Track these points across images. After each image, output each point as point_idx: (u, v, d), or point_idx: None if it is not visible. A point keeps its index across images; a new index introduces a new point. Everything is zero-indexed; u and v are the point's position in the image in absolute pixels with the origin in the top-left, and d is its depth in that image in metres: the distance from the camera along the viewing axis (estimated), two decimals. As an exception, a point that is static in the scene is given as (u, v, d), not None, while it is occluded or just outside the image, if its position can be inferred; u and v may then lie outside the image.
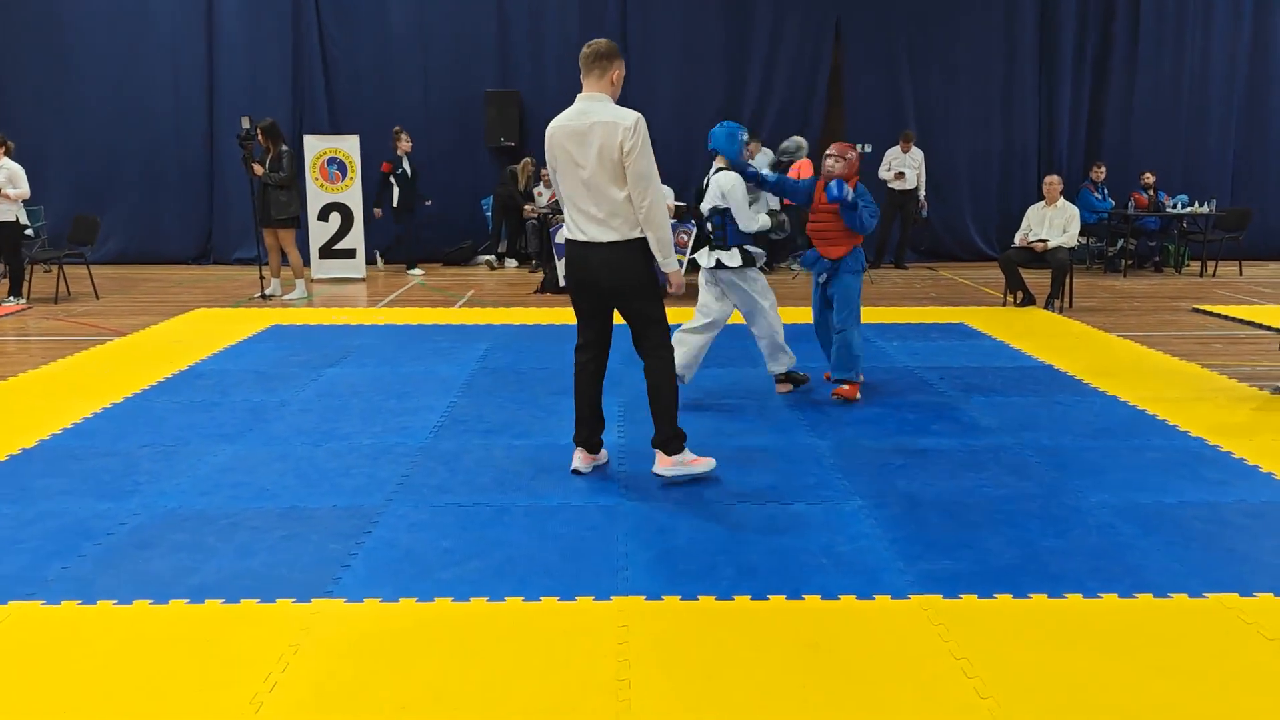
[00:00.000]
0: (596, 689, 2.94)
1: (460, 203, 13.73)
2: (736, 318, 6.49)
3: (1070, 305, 10.05)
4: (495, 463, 5.02)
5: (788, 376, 6.43)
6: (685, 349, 6.06)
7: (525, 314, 9.58)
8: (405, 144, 12.31)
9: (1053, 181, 10.00)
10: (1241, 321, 9.08)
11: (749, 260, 6.02)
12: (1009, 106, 13.92)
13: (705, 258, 6.12)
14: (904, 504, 4.45)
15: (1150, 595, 3.55)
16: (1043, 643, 3.21)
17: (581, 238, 4.48)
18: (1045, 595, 3.55)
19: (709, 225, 6.08)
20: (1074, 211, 9.93)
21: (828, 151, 6.28)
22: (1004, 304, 10.17)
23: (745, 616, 3.40)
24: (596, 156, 4.32)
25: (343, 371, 6.99)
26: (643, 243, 4.45)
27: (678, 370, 5.60)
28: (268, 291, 10.71)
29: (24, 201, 10.03)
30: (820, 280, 6.38)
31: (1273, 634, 3.26)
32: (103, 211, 13.18)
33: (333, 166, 11.87)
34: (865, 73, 13.71)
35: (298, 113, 13.48)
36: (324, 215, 11.94)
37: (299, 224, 10.63)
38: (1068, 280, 9.87)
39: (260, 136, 10.31)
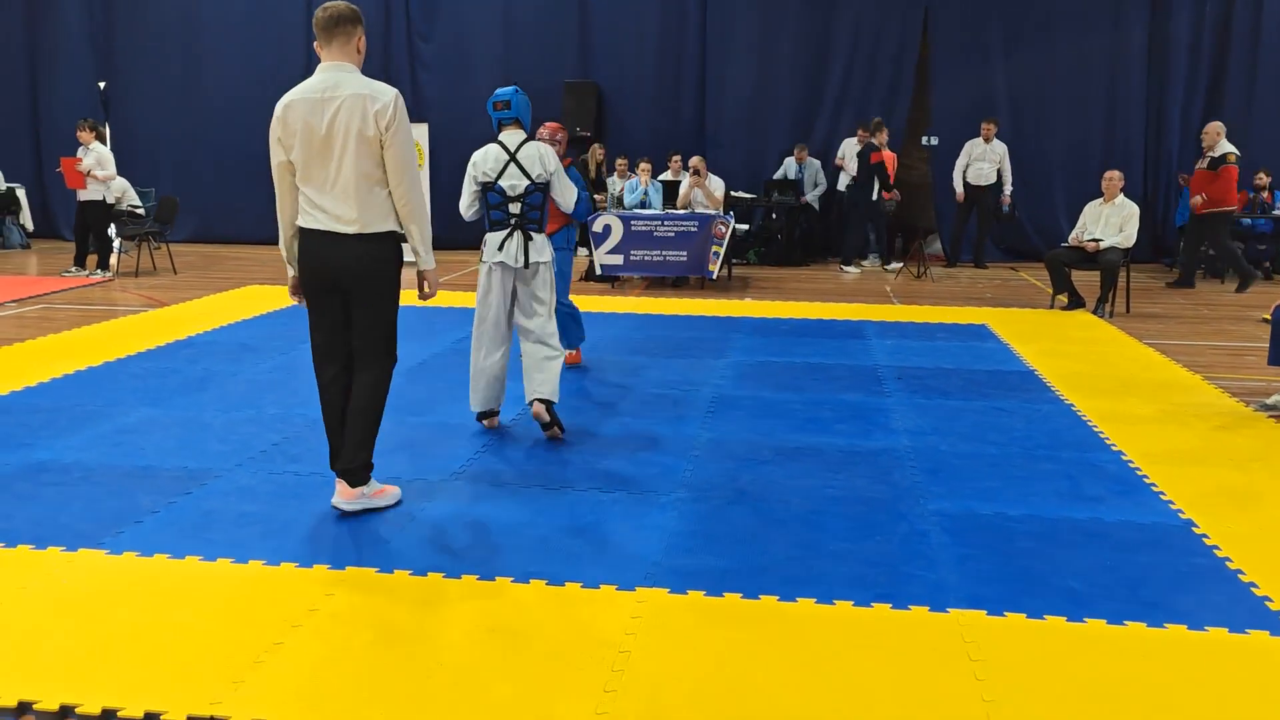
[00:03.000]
0: (266, 643, 3.03)
1: (537, 191, 13.99)
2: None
3: (1128, 310, 9.38)
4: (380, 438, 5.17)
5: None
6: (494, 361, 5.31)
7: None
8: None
9: (1112, 177, 9.35)
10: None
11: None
12: (1112, 100, 13.03)
13: (517, 250, 5.13)
14: (725, 499, 4.33)
15: (850, 603, 3.35)
16: (713, 640, 3.09)
17: (322, 228, 3.87)
18: (740, 595, 3.41)
19: (522, 206, 5.11)
20: (1133, 210, 9.26)
21: (539, 133, 5.89)
22: (1050, 306, 9.58)
23: (432, 591, 3.41)
24: (345, 136, 3.78)
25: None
26: (393, 236, 3.96)
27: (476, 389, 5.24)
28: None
29: (136, 184, 10.95)
30: None
31: (978, 656, 3.03)
32: (209, 196, 14.21)
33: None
34: (953, 64, 13.13)
35: (387, 102, 14.05)
36: (394, 201, 12.41)
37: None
38: (1118, 283, 9.20)
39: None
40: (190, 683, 2.83)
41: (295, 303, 4.19)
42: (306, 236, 3.93)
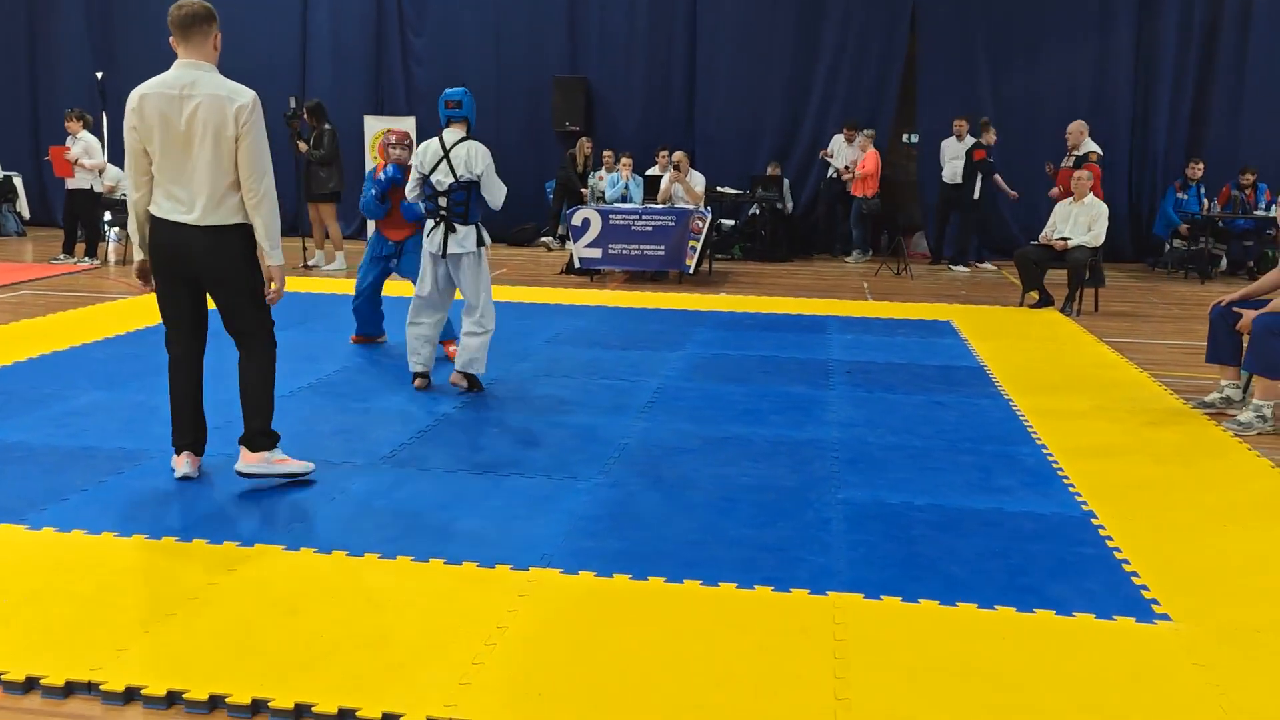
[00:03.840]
0: (159, 614, 3.16)
1: (526, 185, 14.10)
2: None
3: (1096, 309, 9.42)
4: (312, 420, 5.30)
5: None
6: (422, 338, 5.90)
7: (525, 292, 9.80)
8: None
9: (1081, 176, 9.39)
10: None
11: (483, 240, 5.76)
12: (1099, 100, 13.04)
13: (439, 240, 5.65)
14: (640, 485, 4.43)
15: (734, 585, 3.45)
16: (591, 618, 3.20)
17: (173, 218, 4.02)
18: (629, 576, 3.51)
19: (448, 200, 5.57)
20: (1101, 210, 9.30)
21: (389, 140, 6.48)
22: (1021, 304, 9.63)
23: (334, 567, 3.53)
24: (203, 133, 3.94)
25: (287, 335, 7.43)
26: (243, 229, 4.09)
27: (419, 362, 5.88)
28: (310, 262, 11.41)
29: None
30: (383, 257, 6.87)
31: (843, 636, 3.12)
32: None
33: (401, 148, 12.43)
34: (940, 64, 13.18)
35: (378, 96, 14.22)
36: (381, 193, 12.54)
37: (339, 199, 11.25)
38: (1085, 282, 9.24)
39: (306, 115, 10.98)
40: (76, 649, 2.95)
41: (139, 286, 4.35)
42: (158, 225, 4.08)
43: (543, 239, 13.91)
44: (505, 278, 10.95)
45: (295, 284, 9.93)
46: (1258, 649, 3.09)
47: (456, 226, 5.58)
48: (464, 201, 5.54)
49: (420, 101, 14.05)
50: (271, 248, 4.12)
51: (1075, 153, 10.71)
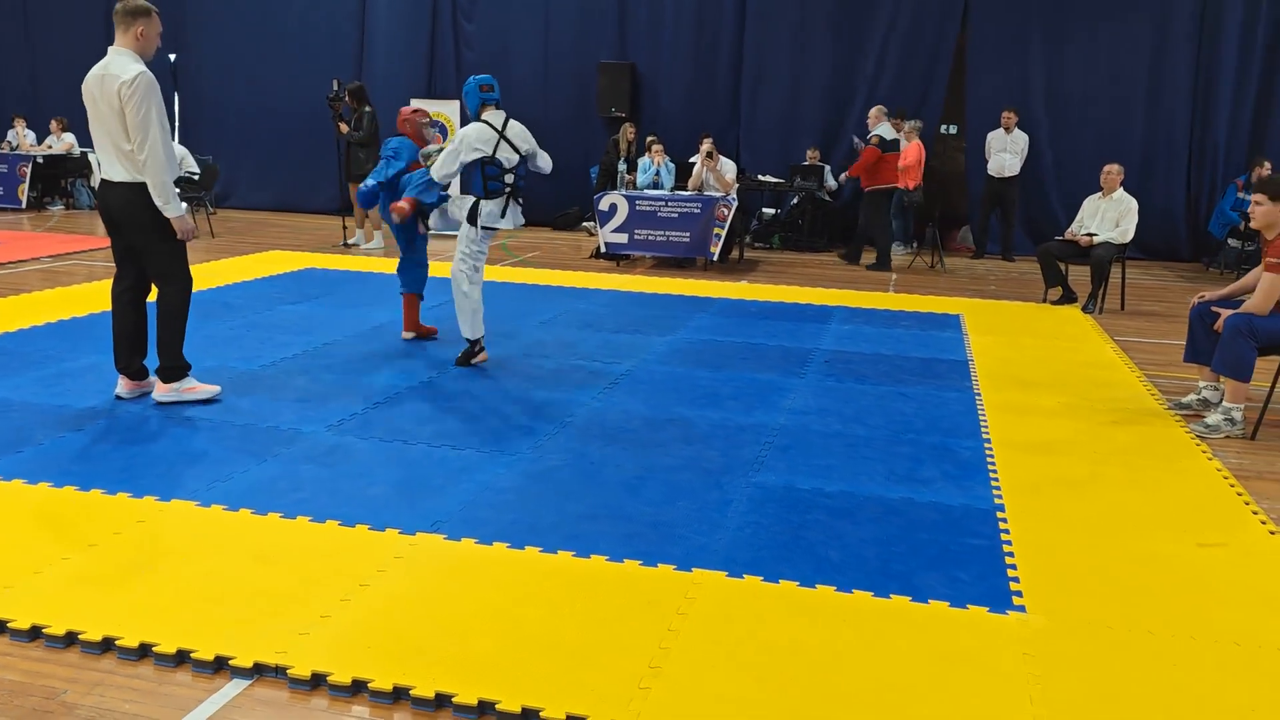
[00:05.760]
0: (59, 554, 3.40)
1: (572, 170, 14.27)
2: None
3: (1122, 307, 9.19)
4: (276, 388, 5.54)
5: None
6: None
7: (547, 275, 9.97)
8: None
9: (1110, 170, 9.14)
10: None
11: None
12: (1156, 93, 12.63)
13: (510, 213, 6.10)
14: (563, 461, 4.55)
15: (604, 558, 3.55)
16: (453, 580, 3.33)
17: (103, 177, 4.94)
18: (507, 545, 3.63)
19: (513, 175, 6.04)
20: (1131, 205, 9.04)
21: (423, 120, 6.81)
22: (1044, 300, 9.44)
23: (236, 523, 3.73)
24: (106, 106, 4.77)
25: (292, 309, 7.75)
26: (141, 185, 4.82)
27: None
28: (350, 241, 11.77)
29: (199, 152, 11.71)
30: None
31: (687, 610, 3.20)
32: (271, 166, 14.98)
33: (434, 128, 12.72)
34: (990, 54, 12.90)
35: (430, 78, 14.54)
36: (425, 175, 12.85)
37: (378, 180, 11.54)
38: (1109, 280, 9.01)
39: (348, 98, 11.31)
40: (-33, 584, 3.21)
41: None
42: (100, 186, 5.02)
43: (585, 224, 14.06)
44: (535, 260, 11.13)
45: (330, 261, 10.28)
46: (1095, 643, 3.07)
47: (520, 200, 6.12)
48: (525, 175, 6.13)
49: (472, 85, 14.31)
50: (164, 203, 4.84)
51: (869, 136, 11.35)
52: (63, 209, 14.56)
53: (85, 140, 14.94)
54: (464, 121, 13.18)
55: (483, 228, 6.04)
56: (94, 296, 7.89)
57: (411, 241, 6.78)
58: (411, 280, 6.82)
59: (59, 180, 14.84)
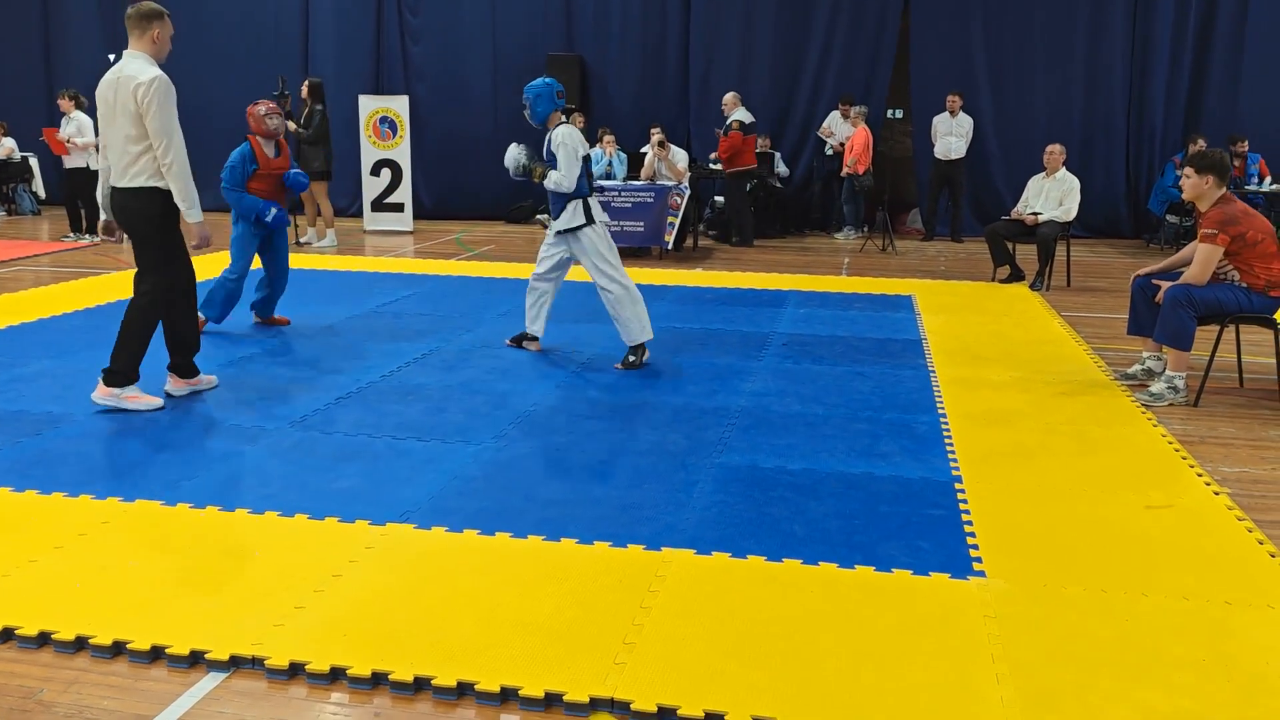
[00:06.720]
0: (37, 553, 3.39)
1: (523, 163, 14.27)
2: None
3: (1068, 284, 9.40)
4: (239, 386, 5.52)
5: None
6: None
7: (504, 268, 9.97)
8: None
9: (1053, 150, 9.34)
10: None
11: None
12: (1093, 73, 12.90)
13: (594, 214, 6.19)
14: (529, 450, 4.59)
15: (575, 541, 3.60)
16: (423, 567, 3.37)
17: (112, 184, 4.96)
18: (477, 532, 3.68)
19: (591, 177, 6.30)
20: (1073, 184, 9.25)
21: (261, 111, 7.06)
22: (992, 279, 9.62)
23: (201, 521, 3.74)
24: (121, 109, 4.78)
25: (248, 308, 7.69)
26: (150, 191, 4.86)
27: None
28: (303, 239, 11.68)
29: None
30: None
31: (657, 587, 3.26)
32: (217, 167, 14.70)
33: (384, 125, 12.68)
34: (933, 38, 13.10)
35: (378, 74, 14.44)
36: (375, 171, 12.81)
37: (329, 178, 11.49)
38: (1054, 258, 9.21)
39: (305, 93, 11.25)
40: (-66, 589, 3.19)
41: (102, 239, 5.00)
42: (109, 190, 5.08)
43: (539, 216, 14.06)
44: (491, 254, 11.13)
45: (321, 261, 10.18)
46: (1052, 604, 3.19)
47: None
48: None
49: (417, 80, 14.26)
50: (186, 209, 4.89)
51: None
52: (4, 215, 14.28)
53: (26, 144, 14.68)
54: (422, 113, 13.12)
55: (603, 223, 6.18)
56: (41, 302, 7.78)
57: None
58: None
59: (0, 186, 14.54)
